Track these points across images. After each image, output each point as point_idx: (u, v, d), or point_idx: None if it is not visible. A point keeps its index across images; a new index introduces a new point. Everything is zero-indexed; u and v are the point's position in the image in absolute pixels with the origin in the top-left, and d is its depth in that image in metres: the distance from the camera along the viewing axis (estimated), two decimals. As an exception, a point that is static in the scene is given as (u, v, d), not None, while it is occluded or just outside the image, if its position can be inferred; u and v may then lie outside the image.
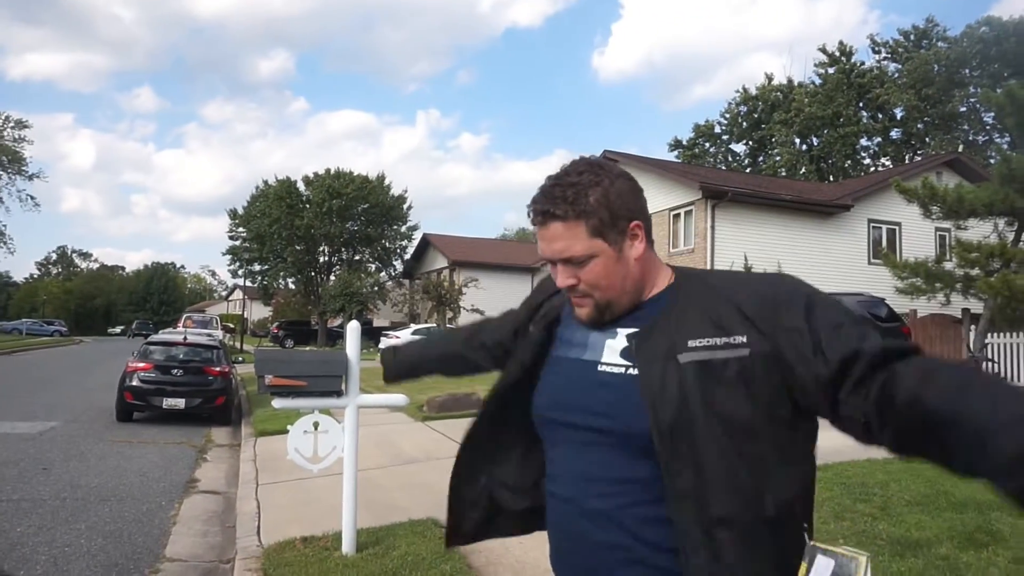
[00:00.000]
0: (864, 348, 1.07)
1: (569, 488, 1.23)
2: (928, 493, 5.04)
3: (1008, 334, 13.82)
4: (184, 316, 36.47)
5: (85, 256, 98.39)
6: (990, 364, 13.86)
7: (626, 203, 1.22)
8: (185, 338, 12.91)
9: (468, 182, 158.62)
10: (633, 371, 1.18)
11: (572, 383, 1.26)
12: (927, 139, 37.94)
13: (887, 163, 38.60)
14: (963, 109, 36.08)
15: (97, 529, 5.31)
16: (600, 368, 1.22)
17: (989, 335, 14.06)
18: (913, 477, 5.51)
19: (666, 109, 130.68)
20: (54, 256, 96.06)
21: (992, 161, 18.07)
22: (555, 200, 1.20)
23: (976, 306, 15.03)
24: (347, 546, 4.38)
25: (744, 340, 1.12)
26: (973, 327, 14.80)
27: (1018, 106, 13.55)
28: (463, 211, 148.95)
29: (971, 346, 14.60)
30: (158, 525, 5.49)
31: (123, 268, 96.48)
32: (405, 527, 4.84)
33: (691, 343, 1.14)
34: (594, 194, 1.19)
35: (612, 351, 1.23)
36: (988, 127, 35.84)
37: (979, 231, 14.65)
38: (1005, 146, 19.66)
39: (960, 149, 24.86)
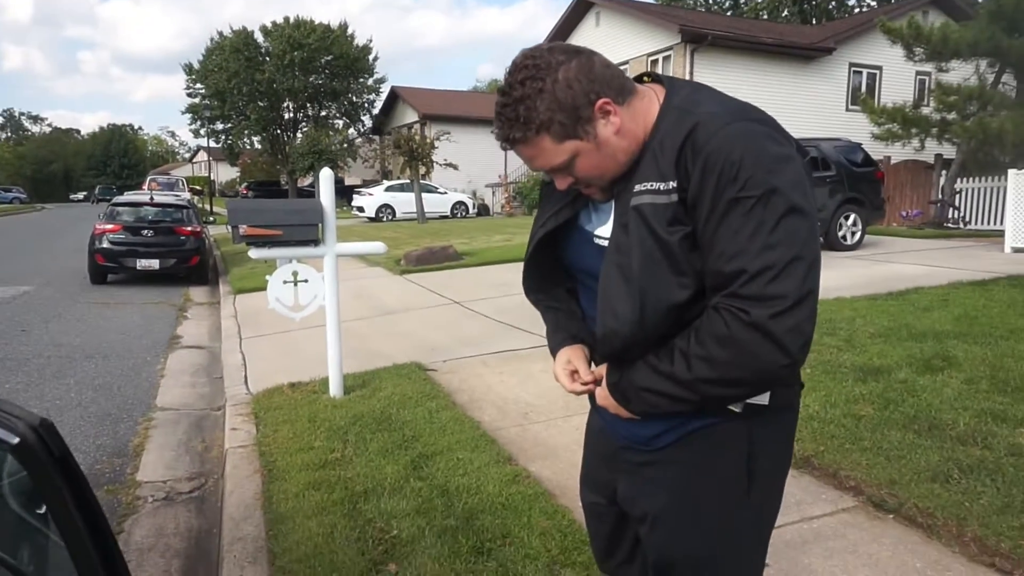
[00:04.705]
0: (731, 268, 1.09)
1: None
2: (891, 326, 5.27)
3: (978, 179, 13.97)
4: (148, 179, 35.31)
5: (36, 119, 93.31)
6: (955, 211, 14.13)
7: (581, 89, 1.15)
8: (152, 198, 12.62)
9: (439, 31, 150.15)
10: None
11: (580, 249, 1.35)
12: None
13: (872, 3, 36.91)
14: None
15: (86, 383, 5.40)
16: (595, 241, 1.30)
17: (959, 180, 14.20)
18: (879, 313, 5.75)
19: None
20: (1, 120, 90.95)
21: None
22: (510, 123, 1.17)
23: (949, 152, 15.06)
24: (334, 389, 4.51)
25: (674, 186, 1.14)
26: (944, 172, 14.91)
27: (1016, -67, 12.76)
28: (435, 63, 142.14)
29: (941, 191, 14.80)
30: (146, 378, 5.60)
31: (78, 131, 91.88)
32: (390, 371, 4.97)
33: (637, 187, 1.17)
34: (543, 101, 1.14)
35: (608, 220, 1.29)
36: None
37: (960, 73, 14.36)
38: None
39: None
